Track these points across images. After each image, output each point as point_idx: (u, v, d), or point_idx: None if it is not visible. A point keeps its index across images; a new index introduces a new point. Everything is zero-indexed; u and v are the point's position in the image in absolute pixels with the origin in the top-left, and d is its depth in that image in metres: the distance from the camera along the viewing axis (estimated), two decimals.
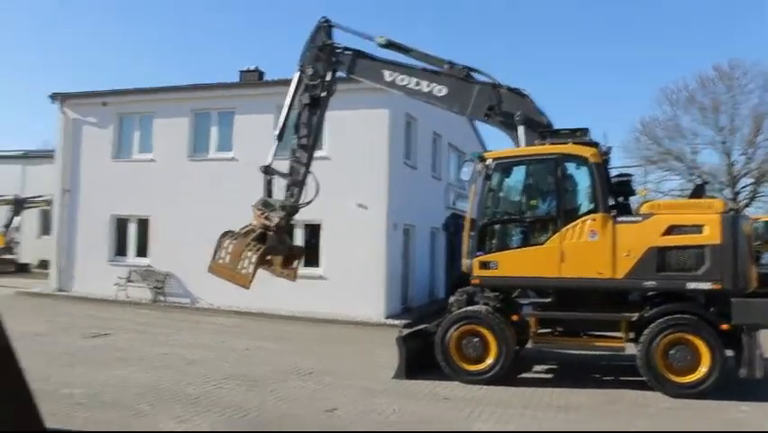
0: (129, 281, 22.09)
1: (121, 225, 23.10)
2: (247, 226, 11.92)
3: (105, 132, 23.35)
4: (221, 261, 11.54)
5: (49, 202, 27.47)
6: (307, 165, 12.27)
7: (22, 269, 32.35)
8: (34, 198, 33.12)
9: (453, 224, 23.68)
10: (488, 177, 11.26)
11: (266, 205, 11.93)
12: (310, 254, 19.74)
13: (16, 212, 33.61)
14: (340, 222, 19.50)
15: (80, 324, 16.68)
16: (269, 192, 12.11)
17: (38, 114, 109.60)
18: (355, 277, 19.17)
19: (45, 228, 31.97)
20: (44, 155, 32.57)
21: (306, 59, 12.46)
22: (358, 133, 19.47)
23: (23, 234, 34.86)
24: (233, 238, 11.67)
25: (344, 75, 12.80)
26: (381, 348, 13.33)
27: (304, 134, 12.34)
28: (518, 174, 11.55)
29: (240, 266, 11.39)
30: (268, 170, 12.09)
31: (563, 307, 11.03)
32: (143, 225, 22.66)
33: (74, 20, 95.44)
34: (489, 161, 11.33)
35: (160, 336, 15.45)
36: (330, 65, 12.48)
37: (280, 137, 12.42)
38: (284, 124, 12.54)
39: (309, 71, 12.34)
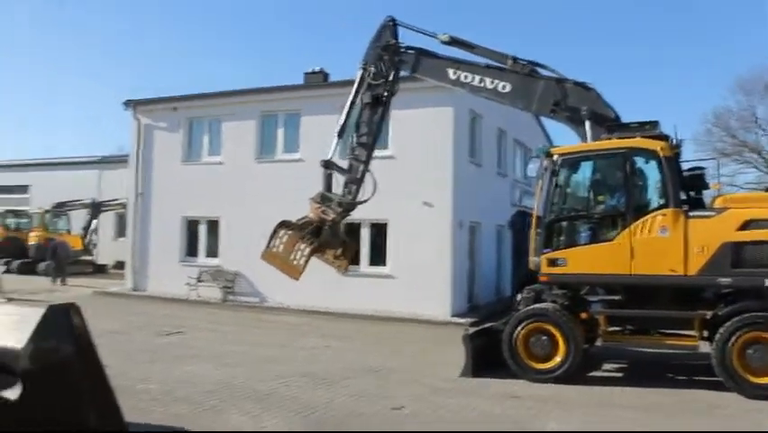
0: (200, 281, 22.48)
1: (191, 226, 23.57)
2: (304, 218, 12.06)
3: (176, 136, 23.90)
4: (274, 249, 11.67)
5: (124, 205, 28.28)
6: (366, 163, 12.35)
7: (100, 270, 33.36)
8: (110, 201, 34.34)
9: (519, 221, 23.49)
10: (554, 173, 11.12)
11: (324, 199, 12.05)
12: (377, 253, 20.04)
13: (94, 215, 34.78)
14: (406, 221, 19.55)
15: (155, 322, 17.08)
16: (328, 187, 12.22)
17: (114, 119, 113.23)
18: (421, 275, 19.17)
19: (121, 230, 32.90)
20: (119, 160, 33.64)
21: (369, 57, 12.54)
22: (422, 132, 19.50)
23: (100, 236, 35.94)
24: (288, 229, 11.80)
25: (408, 74, 12.85)
26: (448, 346, 13.34)
27: (364, 133, 12.44)
28: (586, 170, 11.38)
29: (292, 257, 11.56)
30: (328, 165, 12.21)
31: (633, 304, 10.81)
32: (213, 226, 23.05)
33: (144, 27, 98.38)
34: (555, 157, 11.18)
35: (230, 334, 15.68)
36: (393, 64, 12.55)
37: (341, 134, 12.58)
38: (345, 121, 12.66)
39: (372, 70, 12.43)
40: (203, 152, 23.63)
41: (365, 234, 19.97)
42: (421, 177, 19.42)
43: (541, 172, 11.52)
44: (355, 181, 12.21)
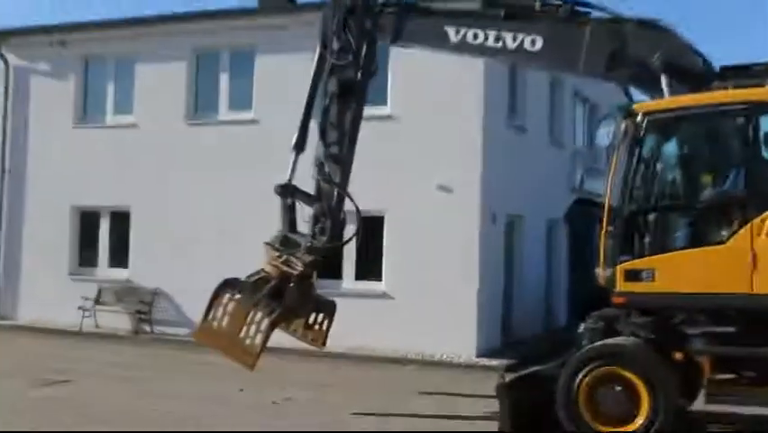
0: (99, 303, 22.44)
1: (87, 221, 23.57)
2: (258, 274, 12.10)
3: (64, 85, 23.83)
4: (215, 324, 11.72)
5: None
6: (342, 184, 12.33)
7: None
8: None
9: (582, 213, 23.75)
10: (637, 141, 11.04)
11: (285, 243, 12.13)
12: (367, 262, 20.11)
13: None
14: (411, 213, 19.57)
15: (28, 367, 16.98)
16: (291, 224, 12.37)
17: None
18: (434, 295, 19.11)
19: None
20: None
21: (328, 28, 12.59)
22: (438, 82, 19.38)
23: None
24: (234, 291, 11.81)
25: (388, 43, 13.02)
26: (473, 402, 13.33)
27: (334, 140, 12.38)
28: (684, 135, 11.40)
29: (243, 334, 11.62)
30: (287, 191, 12.32)
31: (755, 339, 10.66)
32: (120, 220, 23.06)
33: None
34: (639, 118, 11.06)
35: (144, 383, 15.59)
36: (364, 33, 12.53)
37: (299, 146, 12.66)
38: (303, 124, 12.68)
39: (335, 46, 12.42)
40: (106, 110, 23.66)
41: (348, 234, 19.81)
42: (434, 148, 19.45)
43: (617, 141, 11.47)
44: (328, 213, 12.19)
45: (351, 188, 12.40)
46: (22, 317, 23.70)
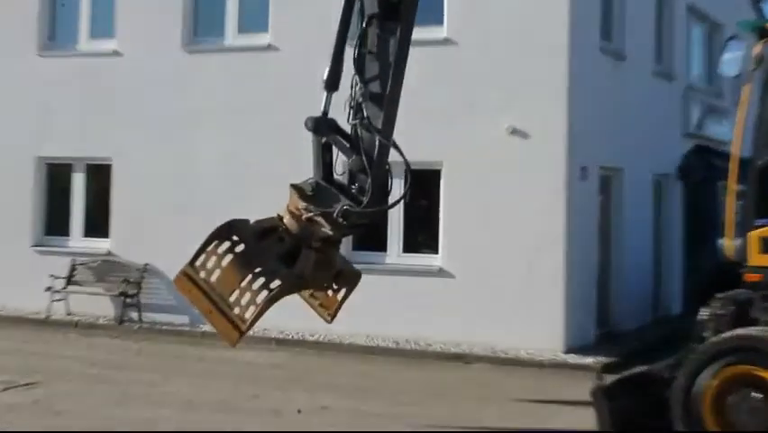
0: (72, 283, 22.53)
1: (56, 177, 23.76)
2: (271, 222, 11.96)
3: (24, 3, 23.81)
4: (203, 275, 11.53)
5: None
6: (386, 133, 11.98)
7: None
8: None
9: (701, 165, 23.76)
10: None
11: (317, 196, 11.80)
12: (418, 230, 20.13)
13: None
14: (476, 166, 19.45)
15: None
16: (325, 168, 12.01)
17: None
18: (506, 273, 19.10)
19: None
20: None
21: None
22: None
23: None
24: (237, 241, 11.65)
25: None
26: (559, 411, 13.56)
27: (375, 75, 12.04)
28: None
29: (234, 299, 11.40)
30: (321, 126, 12.01)
31: None
32: (99, 176, 23.26)
33: None
34: None
35: (132, 386, 15.69)
36: None
37: (332, 83, 12.20)
38: (336, 55, 12.29)
39: None
40: (79, 33, 23.70)
41: (396, 193, 19.62)
42: (505, 80, 19.37)
43: (747, 70, 11.47)
44: (368, 168, 11.80)
45: (397, 136, 11.94)
46: None
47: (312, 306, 12.72)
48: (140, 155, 22.41)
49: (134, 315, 22.12)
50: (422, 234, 20.21)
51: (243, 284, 11.33)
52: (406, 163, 11.60)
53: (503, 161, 19.31)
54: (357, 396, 15.25)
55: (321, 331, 19.52)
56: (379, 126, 11.84)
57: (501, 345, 18.85)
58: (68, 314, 22.51)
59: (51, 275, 22.50)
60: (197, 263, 11.47)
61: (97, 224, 23.18)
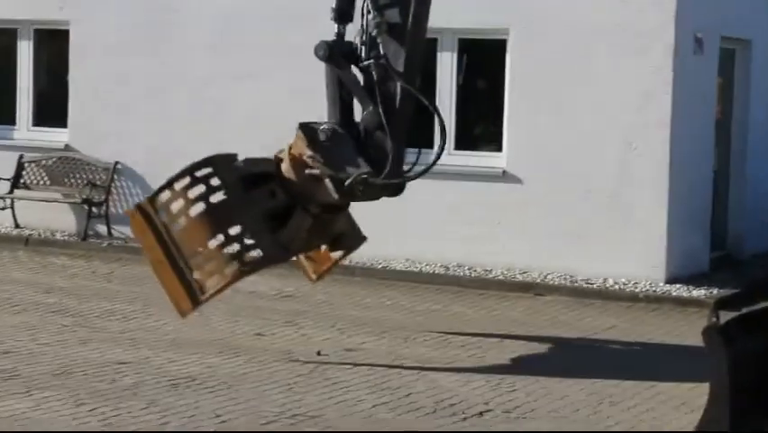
0: (19, 187, 21.43)
1: None
2: (264, 164, 12.23)
3: None
4: (164, 219, 11.47)
5: None
6: (409, 76, 11.97)
7: None
8: None
9: None
10: None
11: (330, 148, 11.90)
12: (476, 119, 19.55)
13: None
14: (552, 33, 17.82)
15: None
16: (342, 110, 12.20)
17: None
18: (589, 178, 17.67)
19: None
20: None
21: None
22: None
23: None
24: (218, 187, 11.61)
25: None
26: (659, 361, 13.37)
27: (388, 1, 12.04)
28: None
29: (195, 262, 11.39)
30: (334, 56, 12.03)
31: None
32: (54, 45, 22.04)
33: None
34: None
35: (100, 319, 14.98)
36: None
37: (343, 13, 12.37)
38: None
39: None
40: None
41: (444, 73, 18.38)
42: None
43: None
44: (385, 126, 11.93)
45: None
46: None
47: (302, 266, 13.41)
48: (105, 16, 20.81)
49: (102, 228, 20.74)
50: (480, 126, 19.20)
51: (212, 246, 11.50)
52: (438, 116, 12.15)
53: (588, 29, 17.74)
54: (391, 335, 14.40)
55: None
56: (400, 69, 11.94)
57: (583, 272, 17.59)
58: (16, 227, 21.35)
59: None
60: (159, 200, 11.61)
61: (51, 110, 21.78)
